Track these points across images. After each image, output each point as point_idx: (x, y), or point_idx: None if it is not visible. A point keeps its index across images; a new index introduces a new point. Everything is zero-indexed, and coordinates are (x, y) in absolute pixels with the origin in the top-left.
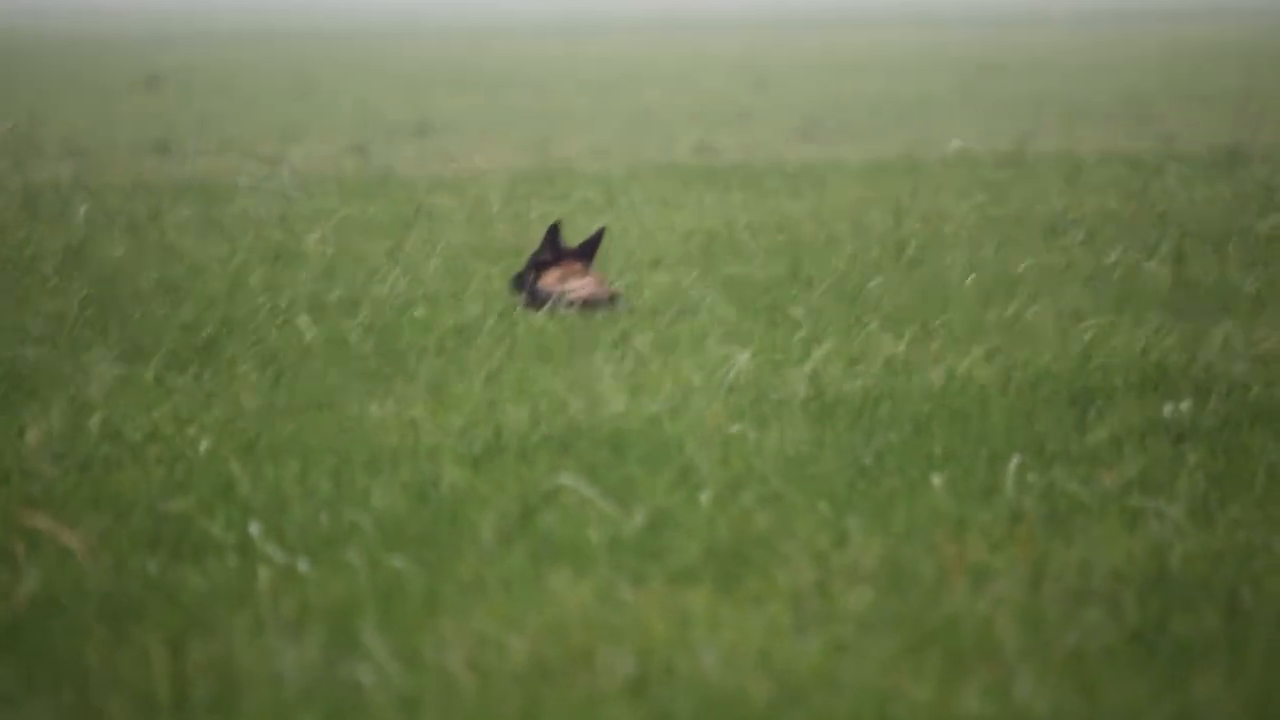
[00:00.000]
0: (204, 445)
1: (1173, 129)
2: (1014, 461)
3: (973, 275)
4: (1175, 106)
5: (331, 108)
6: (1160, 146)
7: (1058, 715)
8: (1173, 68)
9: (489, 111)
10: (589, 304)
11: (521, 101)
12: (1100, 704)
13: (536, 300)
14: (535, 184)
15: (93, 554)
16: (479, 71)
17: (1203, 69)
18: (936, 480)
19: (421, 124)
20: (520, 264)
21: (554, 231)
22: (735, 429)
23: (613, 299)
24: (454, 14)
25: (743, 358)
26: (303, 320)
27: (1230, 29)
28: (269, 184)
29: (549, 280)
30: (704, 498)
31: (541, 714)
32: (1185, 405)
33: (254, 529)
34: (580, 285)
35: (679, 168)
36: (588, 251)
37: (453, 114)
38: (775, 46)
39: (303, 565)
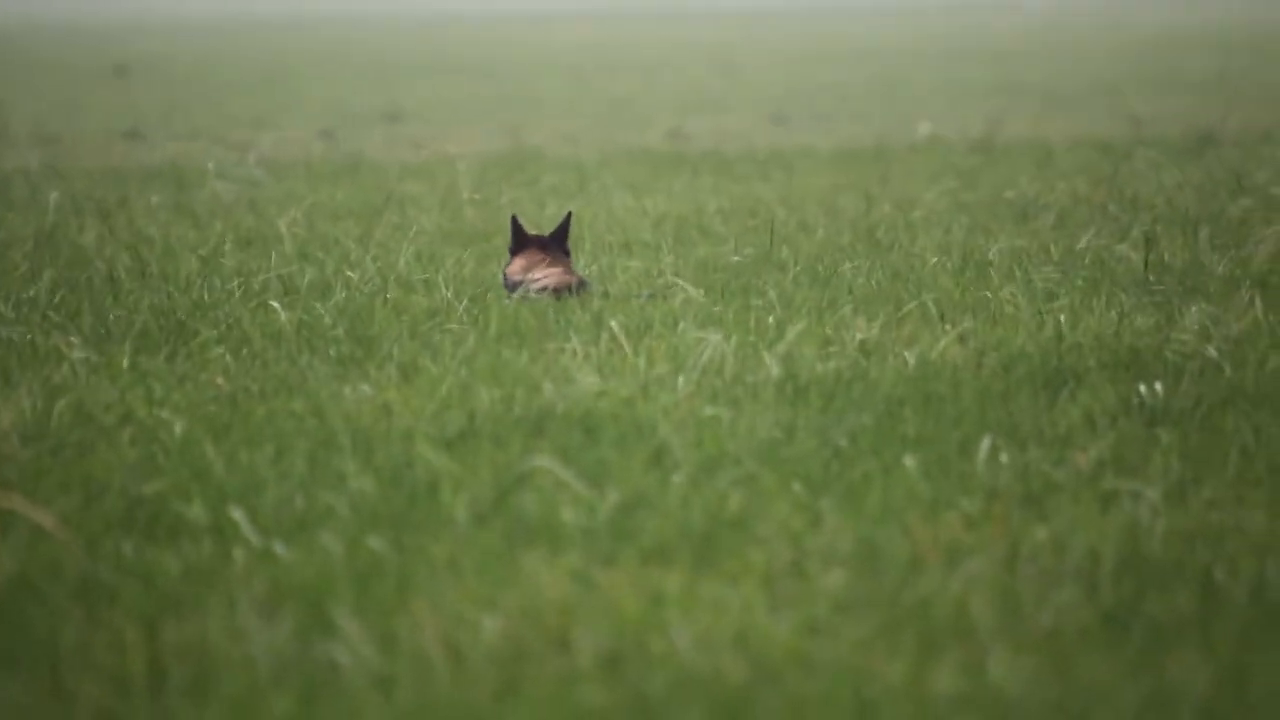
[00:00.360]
0: (178, 428)
1: (1142, 114)
2: (987, 443)
3: (944, 259)
4: (1147, 92)
5: (302, 96)
6: (1130, 132)
7: (1031, 694)
8: (1146, 55)
9: (460, 99)
10: (556, 292)
11: (493, 89)
12: (1074, 683)
13: (507, 287)
14: (506, 169)
15: (67, 535)
16: (450, 59)
17: (1177, 56)
18: (910, 462)
19: (392, 111)
20: (491, 249)
21: (515, 222)
22: (709, 411)
23: (581, 285)
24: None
25: (716, 340)
26: (275, 304)
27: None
28: (238, 170)
29: (514, 269)
30: (678, 479)
31: (516, 694)
32: (1158, 386)
33: (236, 513)
34: (545, 275)
35: (650, 153)
36: (559, 237)
37: (424, 101)
38: (748, 36)
39: (278, 547)
